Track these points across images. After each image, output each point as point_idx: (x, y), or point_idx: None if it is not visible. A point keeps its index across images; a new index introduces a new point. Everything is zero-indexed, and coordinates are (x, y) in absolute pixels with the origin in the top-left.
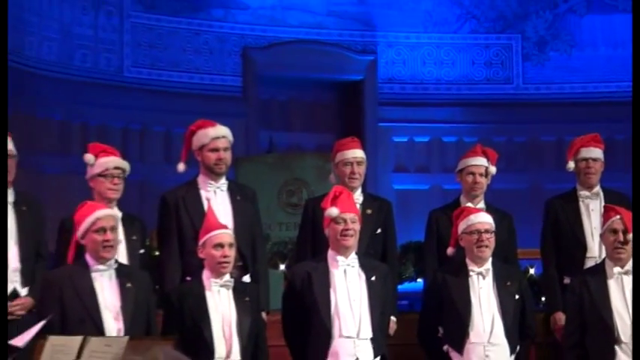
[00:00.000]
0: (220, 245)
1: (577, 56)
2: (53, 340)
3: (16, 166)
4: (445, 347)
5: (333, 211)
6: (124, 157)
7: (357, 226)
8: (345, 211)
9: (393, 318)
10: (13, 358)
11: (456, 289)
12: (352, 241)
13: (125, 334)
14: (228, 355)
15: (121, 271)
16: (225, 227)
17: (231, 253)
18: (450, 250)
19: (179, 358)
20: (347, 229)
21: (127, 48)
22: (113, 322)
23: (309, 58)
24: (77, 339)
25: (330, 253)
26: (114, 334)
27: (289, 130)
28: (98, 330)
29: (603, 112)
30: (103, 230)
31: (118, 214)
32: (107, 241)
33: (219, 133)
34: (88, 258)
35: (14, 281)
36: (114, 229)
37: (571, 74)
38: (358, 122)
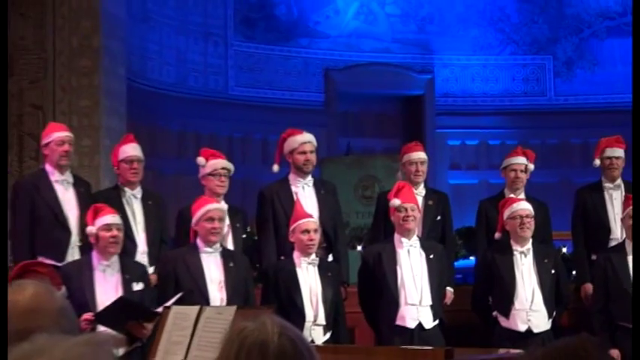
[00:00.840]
0: (307, 231)
1: (599, 73)
2: (176, 309)
3: (143, 169)
4: (494, 313)
5: (395, 201)
6: (229, 159)
7: (417, 214)
8: (406, 201)
9: (450, 289)
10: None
11: (503, 266)
12: (412, 226)
13: (227, 304)
14: (315, 319)
15: (225, 254)
16: (310, 216)
17: (316, 237)
18: (497, 235)
19: (282, 322)
20: (407, 216)
21: (230, 71)
22: (217, 293)
23: (378, 77)
24: (194, 308)
25: (396, 236)
26: (217, 302)
27: (363, 136)
28: (204, 298)
29: (620, 118)
30: (212, 219)
31: (225, 206)
32: (215, 228)
33: (306, 139)
34: (199, 242)
35: (142, 262)
36: (221, 219)
37: (594, 88)
38: (419, 129)
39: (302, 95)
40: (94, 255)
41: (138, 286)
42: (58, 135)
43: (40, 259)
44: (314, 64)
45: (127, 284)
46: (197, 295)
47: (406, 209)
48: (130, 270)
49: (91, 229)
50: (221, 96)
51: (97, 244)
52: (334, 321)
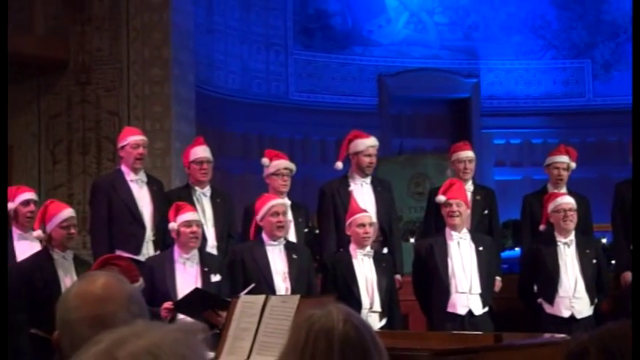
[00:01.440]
0: (362, 224)
1: None
2: (243, 299)
3: (212, 169)
4: (539, 300)
5: (440, 197)
6: (291, 160)
7: (463, 209)
8: (452, 197)
9: (498, 278)
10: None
11: (548, 256)
12: (457, 221)
13: (291, 293)
14: (371, 307)
15: (289, 246)
16: (365, 211)
17: (371, 230)
18: (542, 227)
19: (347, 310)
20: (452, 212)
21: (291, 77)
22: (282, 283)
23: (428, 81)
24: (261, 297)
25: (447, 229)
26: (282, 292)
27: (414, 137)
28: (270, 288)
29: None
30: (277, 214)
31: (288, 202)
32: (280, 222)
33: (372, 143)
34: (264, 236)
35: None
36: (285, 213)
37: (630, 89)
38: (466, 130)
39: (357, 99)
40: (175, 249)
41: (215, 278)
42: (133, 139)
43: (118, 252)
44: (368, 70)
45: (205, 276)
46: (263, 285)
47: (451, 205)
48: (208, 263)
49: (172, 225)
50: (282, 101)
51: (178, 239)
52: (389, 308)
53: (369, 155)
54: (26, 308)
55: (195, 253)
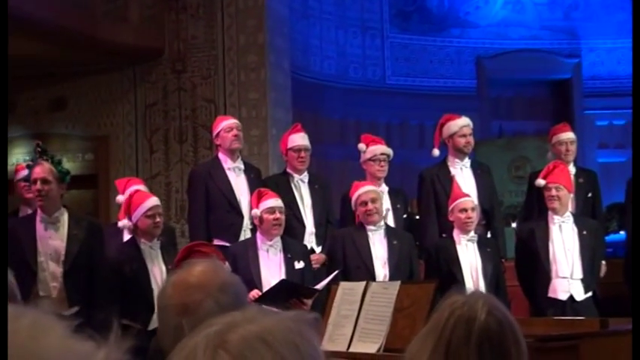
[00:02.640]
0: (464, 209)
1: None
2: (344, 285)
3: (309, 156)
4: None
5: (539, 181)
6: (388, 145)
7: (562, 193)
8: (551, 181)
9: (602, 262)
10: (314, 298)
11: None
12: (556, 205)
13: (389, 279)
14: None
15: (389, 232)
16: (467, 195)
17: (474, 215)
18: None
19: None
20: (551, 196)
21: (387, 61)
22: (381, 269)
23: (527, 63)
24: (361, 284)
25: (549, 213)
26: (381, 278)
27: (514, 119)
28: (370, 274)
29: None
30: (365, 203)
31: (385, 188)
32: (368, 210)
33: (466, 123)
34: (363, 222)
35: (310, 242)
36: (374, 200)
37: None
38: (568, 111)
39: (455, 82)
40: (258, 236)
41: (299, 265)
42: (226, 123)
43: (216, 241)
44: (466, 52)
45: (289, 263)
46: (363, 271)
47: (550, 189)
48: (291, 249)
49: (255, 211)
50: (379, 85)
51: (261, 226)
52: (495, 293)
53: (464, 135)
54: (118, 299)
55: (278, 240)
